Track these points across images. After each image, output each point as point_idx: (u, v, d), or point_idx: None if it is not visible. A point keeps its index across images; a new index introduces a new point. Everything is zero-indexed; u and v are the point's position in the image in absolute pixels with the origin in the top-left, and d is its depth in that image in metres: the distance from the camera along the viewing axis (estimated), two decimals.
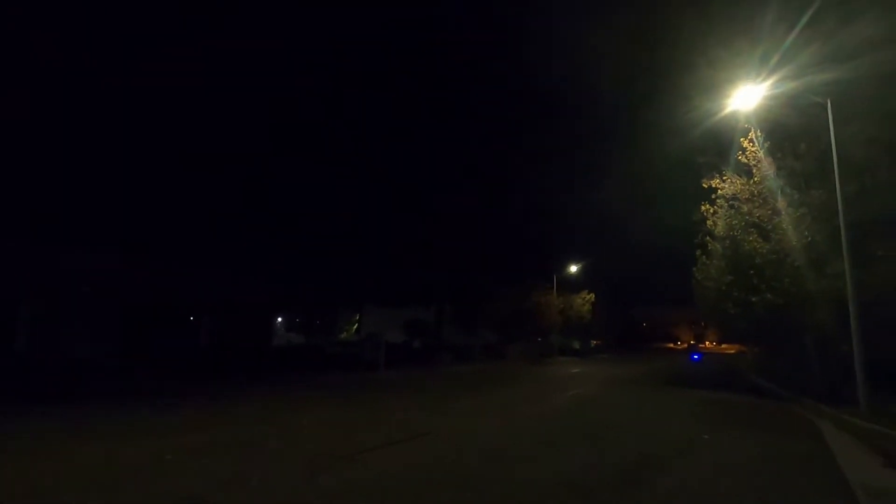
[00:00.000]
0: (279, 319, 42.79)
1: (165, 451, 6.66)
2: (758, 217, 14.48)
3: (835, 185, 10.84)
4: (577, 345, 48.38)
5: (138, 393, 13.18)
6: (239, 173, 29.37)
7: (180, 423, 9.06)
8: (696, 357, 23.29)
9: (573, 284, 45.67)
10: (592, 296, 46.54)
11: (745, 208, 14.84)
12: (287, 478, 5.56)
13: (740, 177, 14.85)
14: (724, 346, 75.81)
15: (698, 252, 18.34)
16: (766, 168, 14.04)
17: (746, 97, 11.89)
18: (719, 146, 14.98)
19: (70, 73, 22.35)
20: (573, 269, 44.73)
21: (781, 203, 13.77)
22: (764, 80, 11.34)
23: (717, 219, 15.82)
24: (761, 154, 13.93)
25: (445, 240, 34.22)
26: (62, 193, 22.17)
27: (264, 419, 9.65)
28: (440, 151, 41.81)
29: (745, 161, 14.21)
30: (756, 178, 14.34)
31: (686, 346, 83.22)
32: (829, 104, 11.01)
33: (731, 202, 15.43)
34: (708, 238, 17.02)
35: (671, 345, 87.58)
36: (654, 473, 5.96)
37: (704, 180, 15.55)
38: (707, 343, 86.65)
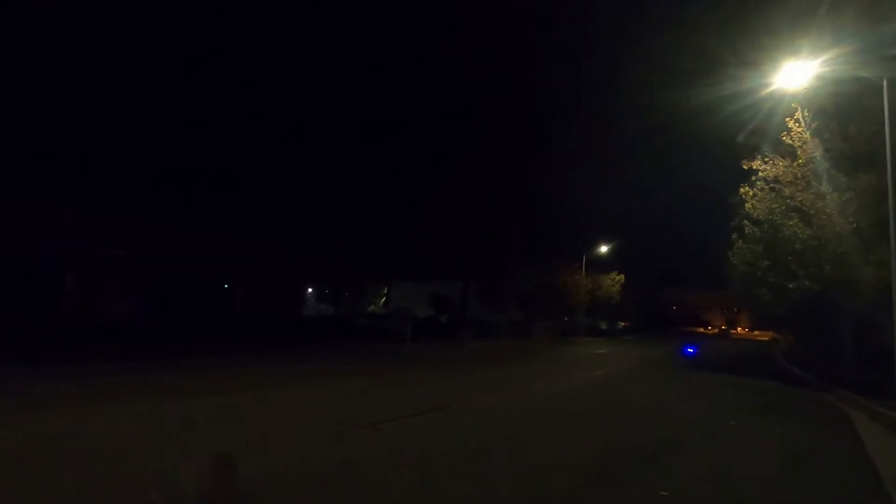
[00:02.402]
0: (309, 290, 43.71)
1: (196, 412, 6.99)
2: (800, 201, 13.94)
3: (885, 168, 10.31)
4: (604, 325, 48.05)
5: (172, 356, 13.77)
6: (273, 146, 29.77)
7: (211, 386, 9.45)
8: (690, 351, 21.50)
9: (603, 265, 45.09)
10: (622, 277, 45.91)
11: (787, 191, 14.30)
12: (309, 443, 5.76)
13: (783, 159, 14.27)
14: (756, 332, 74.04)
15: (734, 235, 17.81)
16: (812, 150, 13.44)
17: (793, 75, 11.30)
18: (761, 127, 14.36)
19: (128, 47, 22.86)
20: (603, 249, 44.10)
21: (826, 187, 13.22)
22: (814, 57, 10.75)
23: (757, 202, 15.28)
24: (807, 135, 13.32)
25: (474, 216, 34.12)
26: (104, 162, 22.92)
27: (291, 386, 9.98)
28: (473, 127, 41.36)
29: (790, 142, 13.63)
30: (800, 161, 13.75)
31: (717, 331, 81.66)
32: (885, 84, 10.40)
33: (772, 185, 14.87)
34: (745, 221, 16.49)
35: (701, 329, 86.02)
36: (674, 456, 5.93)
37: (744, 161, 15.00)
38: (739, 329, 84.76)
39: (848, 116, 12.37)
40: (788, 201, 14.25)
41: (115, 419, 6.42)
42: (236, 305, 28.72)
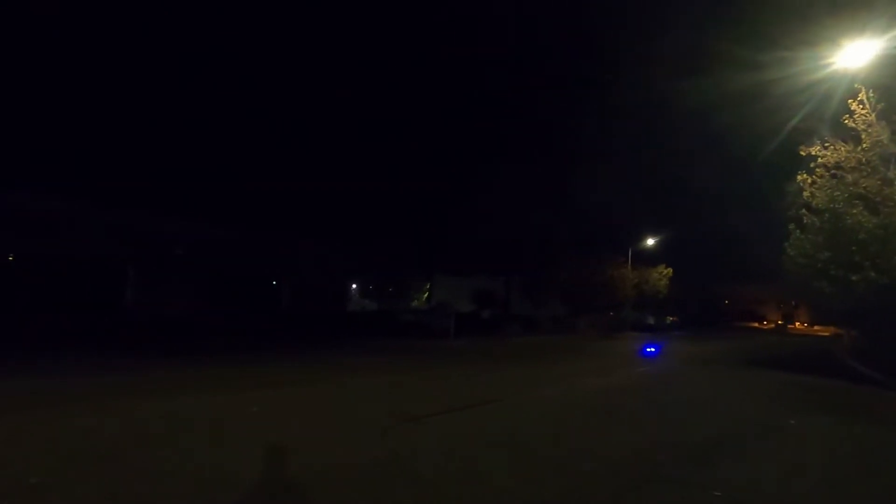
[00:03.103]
0: (354, 286, 44.57)
1: (251, 403, 7.28)
2: (865, 188, 13.12)
3: None
4: (651, 320, 46.74)
5: (225, 349, 14.38)
6: (318, 146, 30.48)
7: (264, 379, 9.82)
8: (652, 350, 18.45)
9: (650, 258, 43.89)
10: (670, 270, 44.52)
11: (849, 178, 13.49)
12: (358, 436, 5.91)
13: (845, 143, 13.45)
14: (816, 327, 70.27)
15: (791, 226, 16.93)
16: (879, 133, 12.61)
17: (855, 54, 10.63)
18: (818, 110, 13.58)
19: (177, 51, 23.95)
20: (650, 241, 42.88)
21: (894, 172, 12.38)
22: (880, 34, 10.07)
23: (816, 189, 14.47)
24: (872, 117, 12.51)
25: (517, 211, 33.90)
26: (161, 168, 24.12)
27: (339, 379, 10.24)
28: (516, 121, 41.00)
29: (853, 125, 12.83)
30: (865, 145, 12.93)
31: (773, 325, 78.02)
32: None
33: (833, 171, 14.05)
34: (804, 210, 15.64)
35: (756, 324, 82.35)
36: (727, 455, 5.74)
37: (802, 147, 14.24)
38: (797, 323, 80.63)
39: None
40: (852, 188, 13.42)
41: (175, 411, 6.78)
42: (284, 301, 29.63)
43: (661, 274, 44.26)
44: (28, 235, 19.81)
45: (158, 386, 8.53)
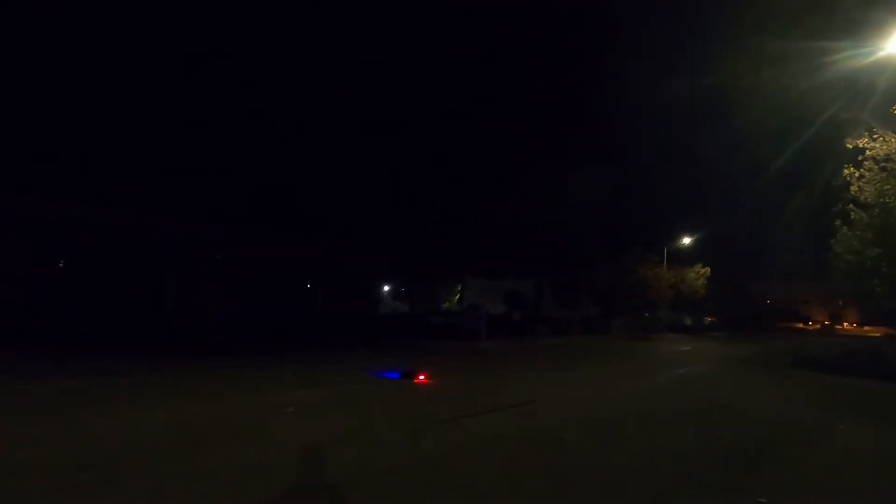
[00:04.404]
0: (385, 288, 44.96)
1: (287, 404, 7.41)
2: None
3: None
4: (688, 321, 45.52)
5: (263, 352, 14.69)
6: (352, 149, 30.96)
7: (299, 380, 10.00)
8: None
9: (686, 257, 42.69)
10: (707, 270, 43.21)
11: None
12: (392, 436, 5.95)
13: None
14: (866, 327, 67.07)
15: (838, 222, 16.17)
16: None
17: None
18: (863, 100, 12.96)
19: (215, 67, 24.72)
20: (686, 240, 41.74)
21: None
22: None
23: (864, 183, 13.80)
24: None
25: (548, 212, 33.62)
26: (196, 171, 24.94)
27: (373, 381, 10.33)
28: (546, 121, 40.66)
29: None
30: None
31: (819, 326, 74.83)
32: None
33: (882, 164, 13.39)
34: (851, 206, 14.93)
35: (801, 325, 79.11)
36: (772, 460, 5.52)
37: (849, 140, 13.61)
38: (845, 324, 77.13)
39: None
40: None
41: (220, 409, 6.97)
42: (318, 303, 30.11)
43: (699, 273, 43.00)
44: (76, 242, 20.71)
45: (201, 386, 8.79)
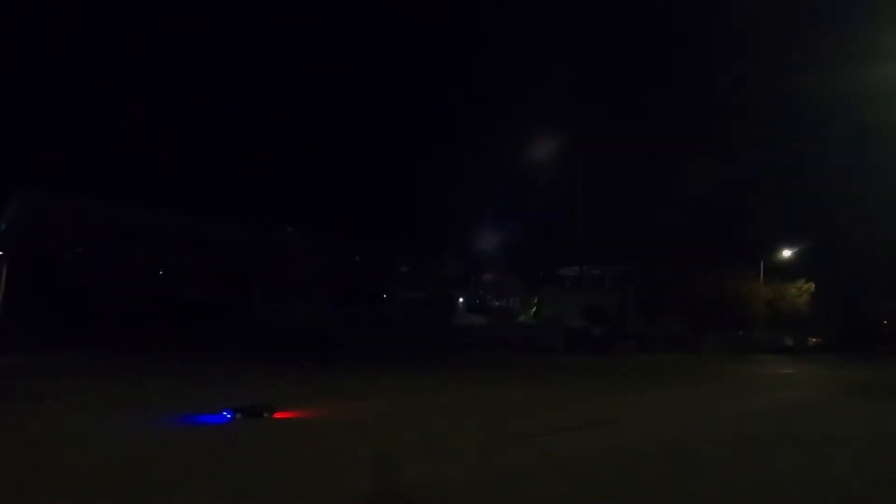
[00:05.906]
0: (461, 300, 45.24)
1: (365, 413, 7.65)
2: None
3: None
4: (790, 341, 41.67)
5: (342, 360, 15.31)
6: (426, 158, 31.68)
7: (376, 389, 10.29)
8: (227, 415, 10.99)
9: (787, 271, 39.28)
10: (811, 285, 39.44)
11: None
12: (468, 451, 5.90)
13: None
14: None
15: None
16: None
17: None
18: None
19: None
20: (787, 253, 38.43)
21: None
22: None
23: None
24: None
25: (634, 220, 32.37)
26: (285, 186, 26.55)
27: (448, 392, 10.42)
28: (635, 121, 39.32)
29: None
30: None
31: None
32: None
33: None
34: None
35: None
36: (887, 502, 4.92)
37: None
38: None
39: None
40: None
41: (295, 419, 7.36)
42: (395, 314, 30.92)
43: (801, 290, 39.33)
44: (173, 251, 22.88)
45: (290, 391, 9.31)
